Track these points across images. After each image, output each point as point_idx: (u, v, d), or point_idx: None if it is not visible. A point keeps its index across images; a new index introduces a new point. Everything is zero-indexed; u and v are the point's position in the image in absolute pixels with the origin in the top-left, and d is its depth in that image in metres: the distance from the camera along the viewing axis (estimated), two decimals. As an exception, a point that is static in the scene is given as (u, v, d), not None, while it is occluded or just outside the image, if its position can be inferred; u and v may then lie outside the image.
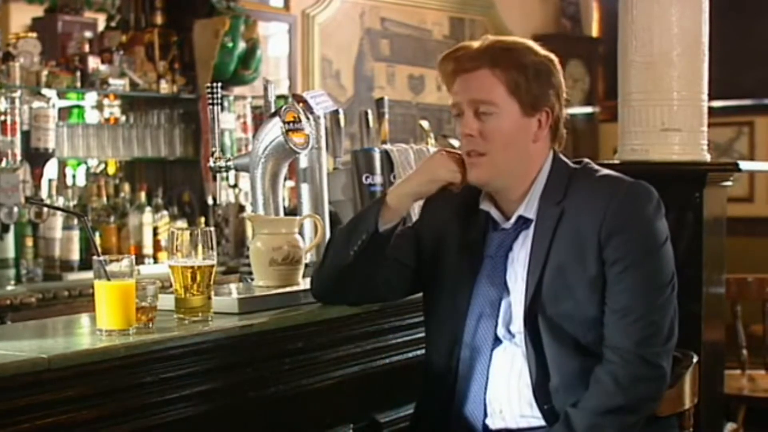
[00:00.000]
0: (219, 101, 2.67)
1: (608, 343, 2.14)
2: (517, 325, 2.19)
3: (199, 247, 2.18)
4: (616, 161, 3.39)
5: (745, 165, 3.29)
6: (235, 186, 5.05)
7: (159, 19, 5.06)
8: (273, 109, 2.66)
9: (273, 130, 2.58)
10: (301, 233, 2.62)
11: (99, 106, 5.05)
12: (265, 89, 2.82)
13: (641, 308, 2.12)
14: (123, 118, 5.05)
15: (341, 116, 3.13)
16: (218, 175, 2.73)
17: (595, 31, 7.88)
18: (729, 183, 3.33)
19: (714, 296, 3.27)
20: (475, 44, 2.23)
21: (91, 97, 4.97)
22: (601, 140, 7.53)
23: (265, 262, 2.47)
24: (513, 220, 2.23)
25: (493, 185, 2.24)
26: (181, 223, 4.91)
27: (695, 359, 2.35)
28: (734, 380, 4.30)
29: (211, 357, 2.12)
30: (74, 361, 1.87)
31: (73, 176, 4.94)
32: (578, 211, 2.16)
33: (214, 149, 2.67)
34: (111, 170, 5.06)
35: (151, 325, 2.09)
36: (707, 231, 3.20)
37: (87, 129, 4.76)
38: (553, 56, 2.24)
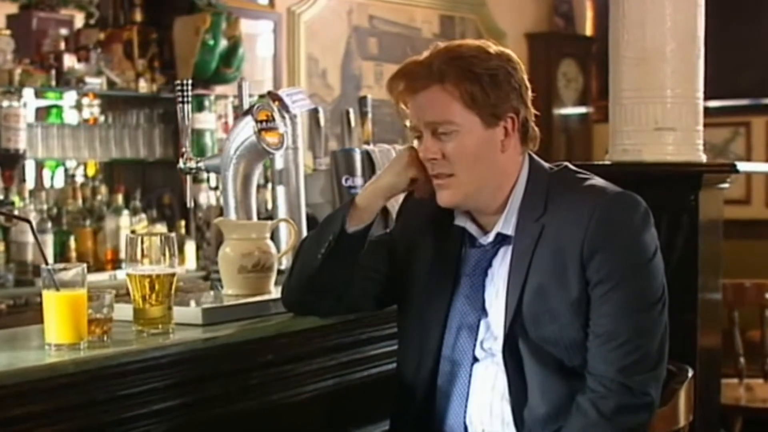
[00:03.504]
0: (189, 99, 2.53)
1: (591, 369, 1.98)
2: (498, 346, 2.04)
3: (164, 254, 2.04)
4: (608, 162, 3.27)
5: (742, 166, 3.18)
6: (216, 188, 4.93)
7: (138, 16, 4.97)
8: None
9: (245, 129, 2.45)
10: (276, 239, 2.49)
11: (78, 106, 4.93)
12: (239, 87, 2.69)
13: (626, 332, 1.96)
14: (101, 118, 4.94)
15: (321, 115, 3.05)
16: (188, 177, 2.61)
17: (588, 30, 7.81)
18: (725, 185, 3.23)
19: (710, 302, 3.17)
20: (422, 57, 2.04)
21: (71, 96, 4.85)
22: (594, 141, 7.47)
23: (234, 269, 2.33)
24: (491, 237, 2.08)
25: (465, 206, 2.09)
26: (161, 227, 4.80)
27: (690, 373, 2.23)
28: (731, 389, 4.19)
29: (172, 372, 1.99)
30: (18, 379, 1.74)
31: (51, 178, 4.82)
32: (559, 227, 2.00)
33: (184, 149, 2.55)
34: (90, 172, 4.93)
35: (105, 338, 1.95)
36: (703, 234, 3.08)
37: (62, 129, 4.65)
38: (509, 53, 2.05)
